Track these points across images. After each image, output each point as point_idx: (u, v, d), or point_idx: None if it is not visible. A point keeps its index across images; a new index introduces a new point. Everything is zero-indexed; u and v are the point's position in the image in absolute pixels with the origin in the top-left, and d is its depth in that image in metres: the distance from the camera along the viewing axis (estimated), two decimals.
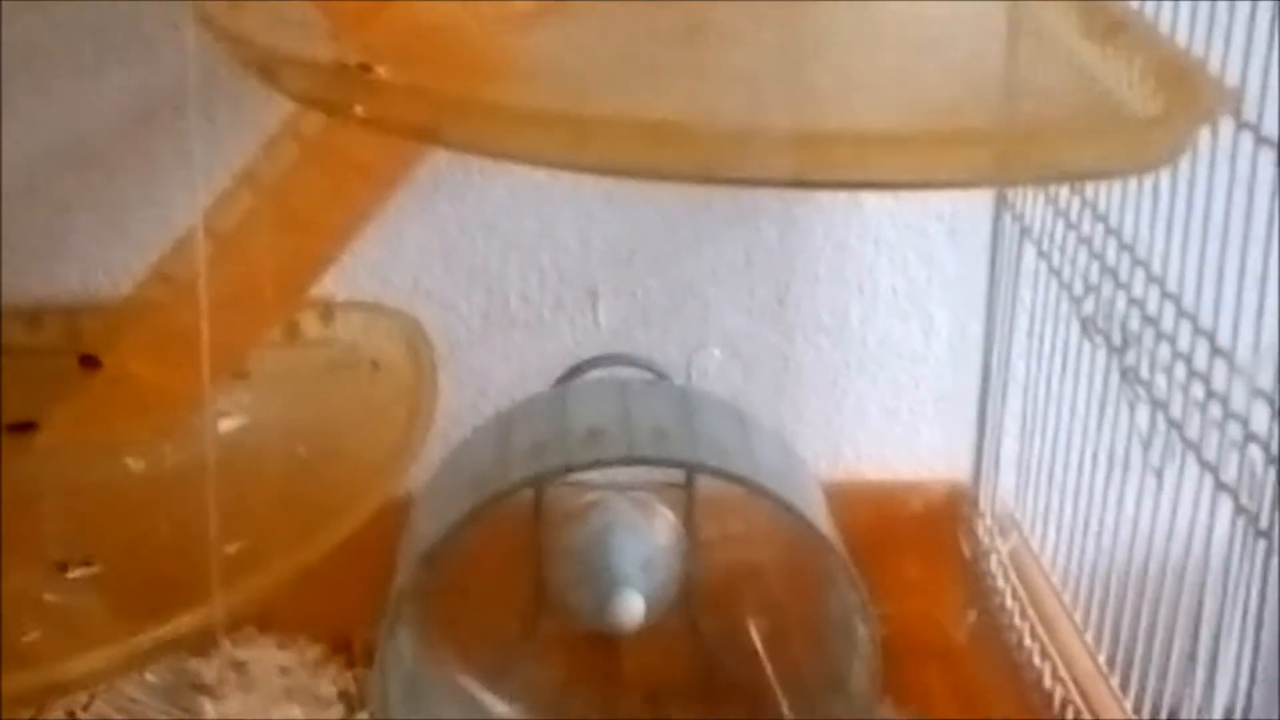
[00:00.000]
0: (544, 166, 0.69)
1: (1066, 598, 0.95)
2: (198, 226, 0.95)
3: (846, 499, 1.01)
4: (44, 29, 1.05)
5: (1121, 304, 0.84)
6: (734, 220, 1.10)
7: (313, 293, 1.05)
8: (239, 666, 1.05)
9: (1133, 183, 0.83)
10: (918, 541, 1.09)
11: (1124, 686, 0.87)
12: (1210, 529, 0.75)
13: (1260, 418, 0.70)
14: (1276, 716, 0.72)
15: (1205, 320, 0.76)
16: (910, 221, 1.10)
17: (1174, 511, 0.79)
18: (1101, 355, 0.87)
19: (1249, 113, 0.71)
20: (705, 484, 0.97)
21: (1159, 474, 0.80)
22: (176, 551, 0.89)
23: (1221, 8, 0.73)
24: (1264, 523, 0.70)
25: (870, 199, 1.10)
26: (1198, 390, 0.76)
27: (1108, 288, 0.86)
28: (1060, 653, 0.93)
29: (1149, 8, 0.80)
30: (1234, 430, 0.73)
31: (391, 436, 1.00)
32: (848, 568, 0.91)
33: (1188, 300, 0.78)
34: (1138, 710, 0.85)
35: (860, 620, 0.91)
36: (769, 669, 0.97)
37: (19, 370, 1.02)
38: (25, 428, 0.98)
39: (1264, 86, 0.70)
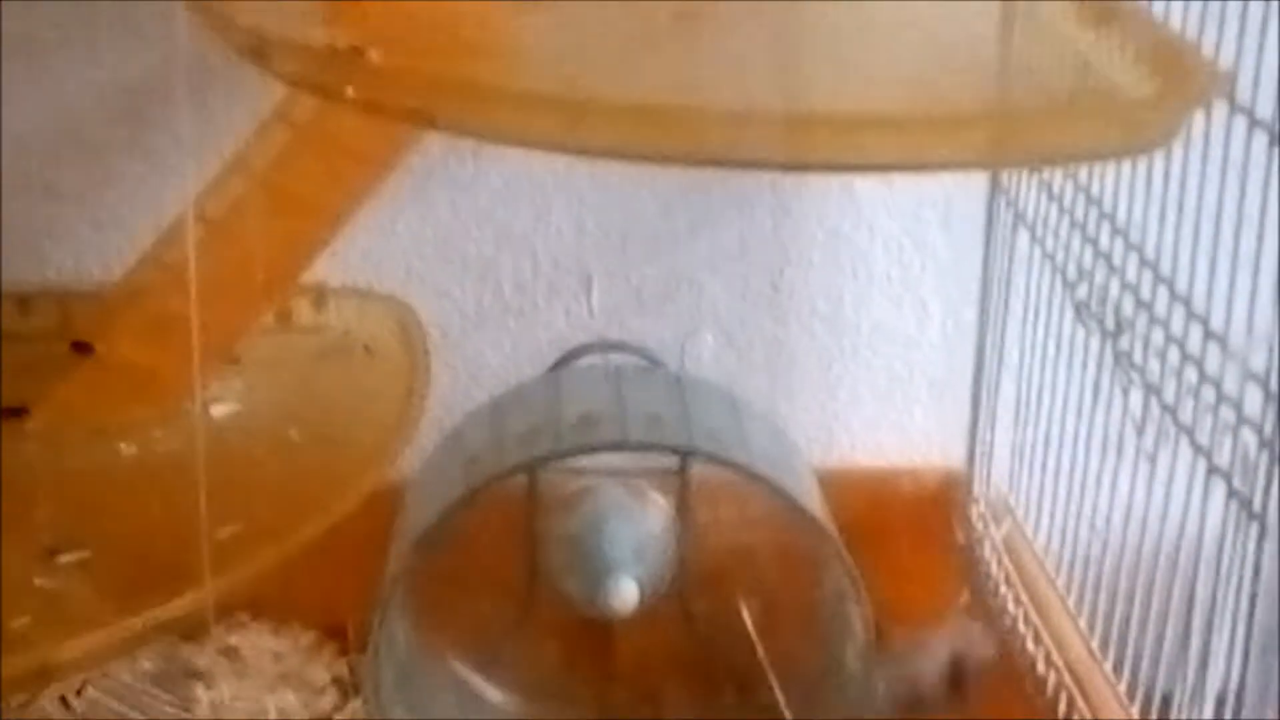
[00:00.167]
0: (536, 149, 0.69)
1: (1060, 583, 0.95)
2: (188, 212, 0.95)
3: (840, 485, 1.01)
4: (36, 16, 1.04)
5: (1115, 289, 0.84)
6: (728, 207, 1.10)
7: (306, 279, 1.05)
8: (232, 652, 1.05)
9: (1126, 167, 0.82)
10: (911, 527, 1.09)
11: (1117, 671, 0.87)
12: (1203, 513, 0.75)
13: (1253, 401, 0.70)
14: (1270, 700, 0.72)
15: (1198, 304, 0.76)
16: (904, 208, 1.10)
17: (1167, 496, 0.79)
18: (1095, 340, 0.87)
19: (1242, 96, 0.71)
20: (699, 469, 0.97)
21: (1152, 458, 0.80)
22: (168, 536, 0.89)
23: None
24: (1257, 506, 0.70)
25: (864, 185, 1.10)
26: (1191, 374, 0.76)
27: (1101, 273, 0.86)
28: (1054, 637, 0.93)
29: None
30: (1227, 414, 0.72)
31: (384, 422, 1.00)
32: (841, 553, 0.91)
33: (1181, 284, 0.77)
34: (1131, 694, 0.85)
35: (853, 605, 0.91)
36: (762, 654, 0.97)
37: (10, 355, 1.02)
38: (17, 413, 0.98)
39: (1257, 70, 0.70)
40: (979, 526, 1.07)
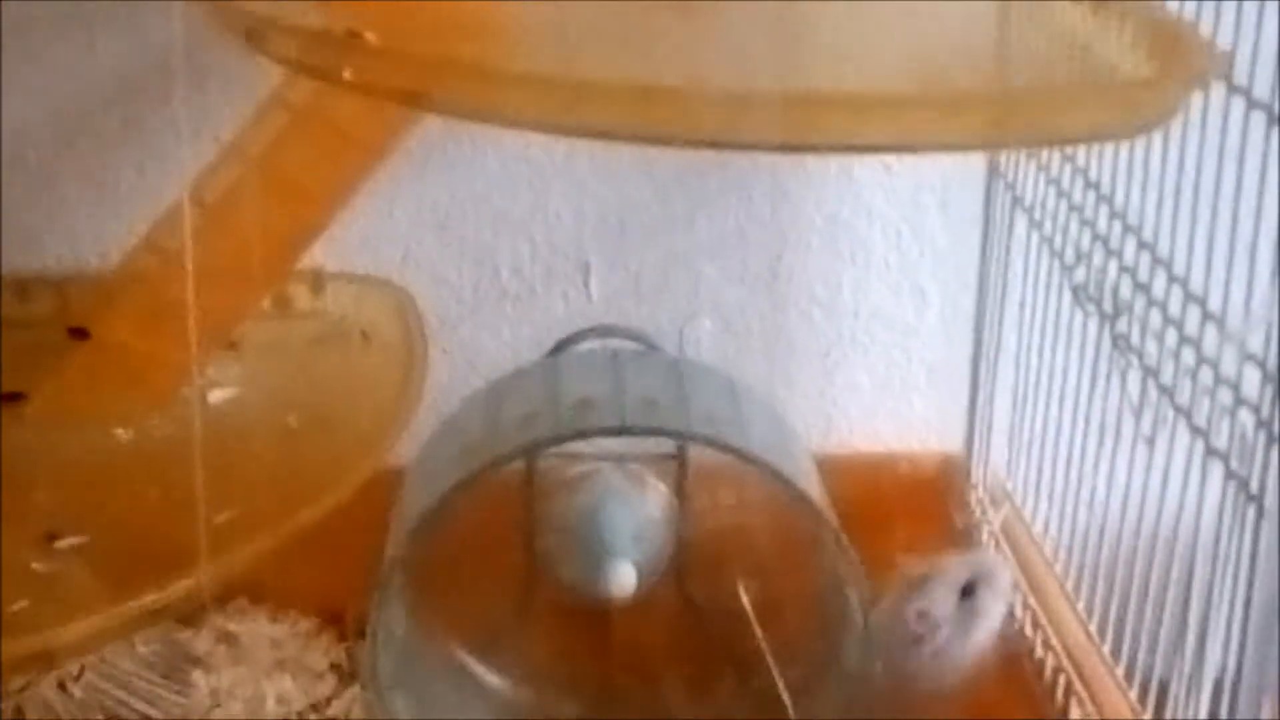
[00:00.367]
0: (534, 130, 0.68)
1: (1058, 567, 0.95)
2: (185, 198, 0.94)
3: (838, 470, 1.00)
4: (33, 2, 1.04)
5: (1113, 271, 0.84)
6: (726, 192, 1.10)
7: (303, 264, 1.05)
8: (230, 639, 1.05)
9: (1124, 150, 0.82)
10: (909, 513, 1.09)
11: (1115, 655, 0.87)
12: (1201, 496, 0.75)
13: (1251, 382, 0.70)
14: (1268, 682, 0.72)
15: (1196, 286, 0.76)
16: (902, 193, 1.10)
17: (1165, 479, 0.79)
18: (1093, 324, 0.87)
19: (1240, 77, 0.71)
20: (697, 454, 0.97)
21: (1150, 442, 0.80)
22: (165, 522, 0.89)
23: None
24: (1254, 487, 0.70)
25: (862, 171, 1.10)
26: (1189, 356, 0.76)
27: (1099, 256, 0.86)
28: (1051, 621, 0.93)
29: None
30: (1225, 395, 0.72)
31: (382, 408, 1.00)
32: (839, 538, 0.91)
33: (1179, 266, 0.77)
34: (1129, 678, 0.85)
35: (852, 590, 0.91)
36: (761, 639, 0.97)
37: (8, 341, 1.02)
38: (14, 398, 0.98)
39: (1255, 50, 0.70)
40: (977, 511, 1.07)
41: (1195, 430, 0.75)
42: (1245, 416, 0.71)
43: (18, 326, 1.04)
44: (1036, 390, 0.98)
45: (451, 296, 1.11)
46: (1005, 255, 1.02)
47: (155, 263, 0.98)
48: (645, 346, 1.03)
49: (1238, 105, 0.71)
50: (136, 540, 0.90)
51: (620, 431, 0.91)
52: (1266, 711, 0.71)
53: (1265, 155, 0.69)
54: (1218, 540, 0.73)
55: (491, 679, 1.01)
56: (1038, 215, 0.96)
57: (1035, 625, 0.94)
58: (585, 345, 1.03)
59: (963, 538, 1.07)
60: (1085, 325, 0.89)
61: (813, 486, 0.94)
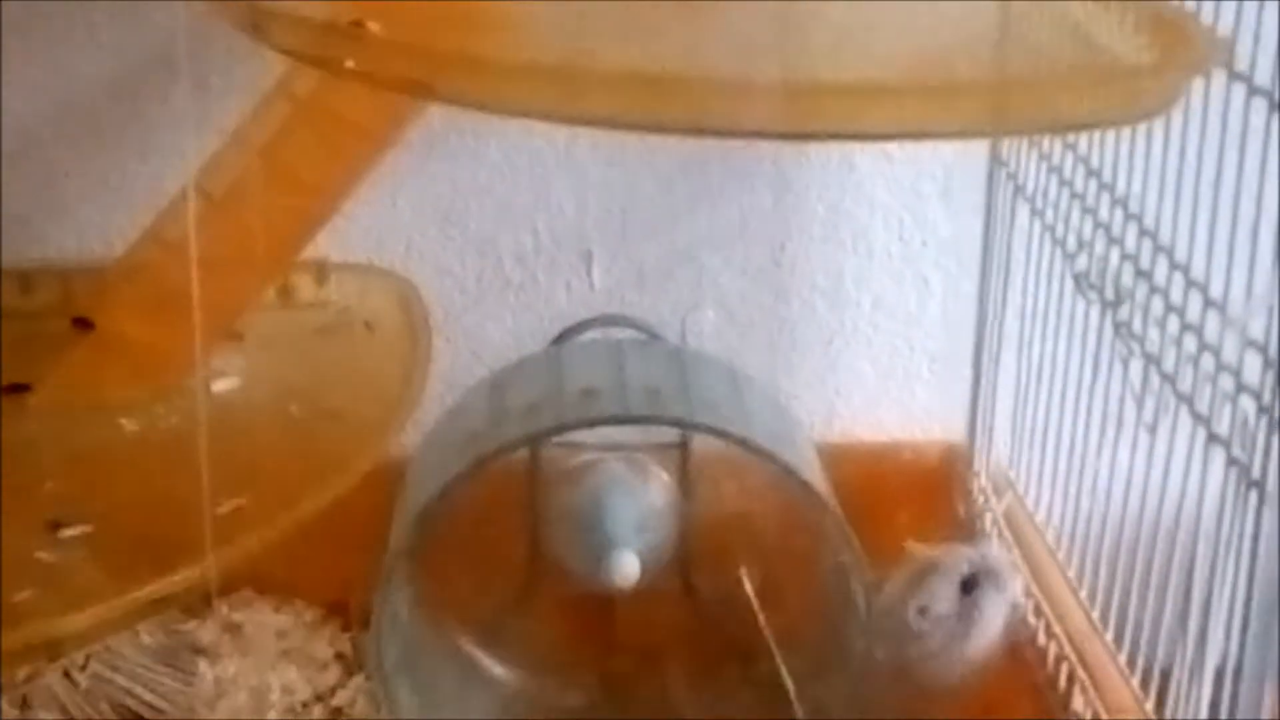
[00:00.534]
0: (537, 119, 0.69)
1: (1060, 555, 0.95)
2: (189, 188, 0.95)
3: (841, 459, 1.01)
4: None
5: (1115, 259, 0.84)
6: (729, 182, 1.10)
7: (307, 255, 1.05)
8: (235, 629, 1.05)
9: (1125, 137, 0.82)
10: (912, 502, 1.09)
11: (1118, 642, 0.87)
12: (1203, 483, 0.75)
13: (1252, 368, 0.70)
14: (1270, 670, 0.72)
15: (1198, 272, 0.76)
16: (904, 182, 1.10)
17: (1167, 467, 0.79)
18: (1095, 312, 0.87)
19: (1241, 63, 0.71)
20: (700, 444, 0.97)
21: (1152, 429, 0.80)
22: (170, 512, 0.89)
23: None
24: (1256, 473, 0.70)
25: (864, 160, 1.10)
26: (1190, 343, 0.76)
27: (1101, 243, 0.86)
28: (1054, 609, 0.93)
29: None
30: (1226, 382, 0.73)
31: (385, 398, 1.00)
32: (842, 527, 0.91)
33: (1180, 253, 0.78)
34: (1131, 665, 0.85)
35: (854, 579, 0.91)
36: (765, 627, 0.97)
37: (12, 332, 1.02)
38: (18, 389, 0.98)
39: (1256, 37, 0.70)
40: (980, 500, 1.07)
41: (1197, 417, 0.75)
42: (1246, 403, 0.71)
43: (22, 317, 1.04)
44: (1039, 378, 0.98)
45: (455, 287, 1.11)
46: (1007, 244, 1.02)
47: (159, 253, 0.99)
48: (648, 336, 1.04)
49: (1239, 92, 0.71)
50: (141, 530, 0.90)
51: (623, 421, 0.92)
52: (1268, 698, 0.71)
53: (1266, 142, 0.69)
54: (1219, 527, 0.73)
55: (495, 668, 1.02)
56: (1039, 204, 0.96)
57: (1038, 613, 0.94)
58: (588, 335, 1.03)
59: (965, 526, 1.07)
60: (1087, 313, 0.89)
61: (815, 475, 0.94)
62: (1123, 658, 0.86)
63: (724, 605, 1.00)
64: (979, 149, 1.04)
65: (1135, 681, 0.85)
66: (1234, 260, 0.72)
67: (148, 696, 0.99)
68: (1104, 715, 0.86)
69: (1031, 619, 0.95)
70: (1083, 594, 0.92)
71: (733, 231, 1.11)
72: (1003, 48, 0.74)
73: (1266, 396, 0.69)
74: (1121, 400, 0.84)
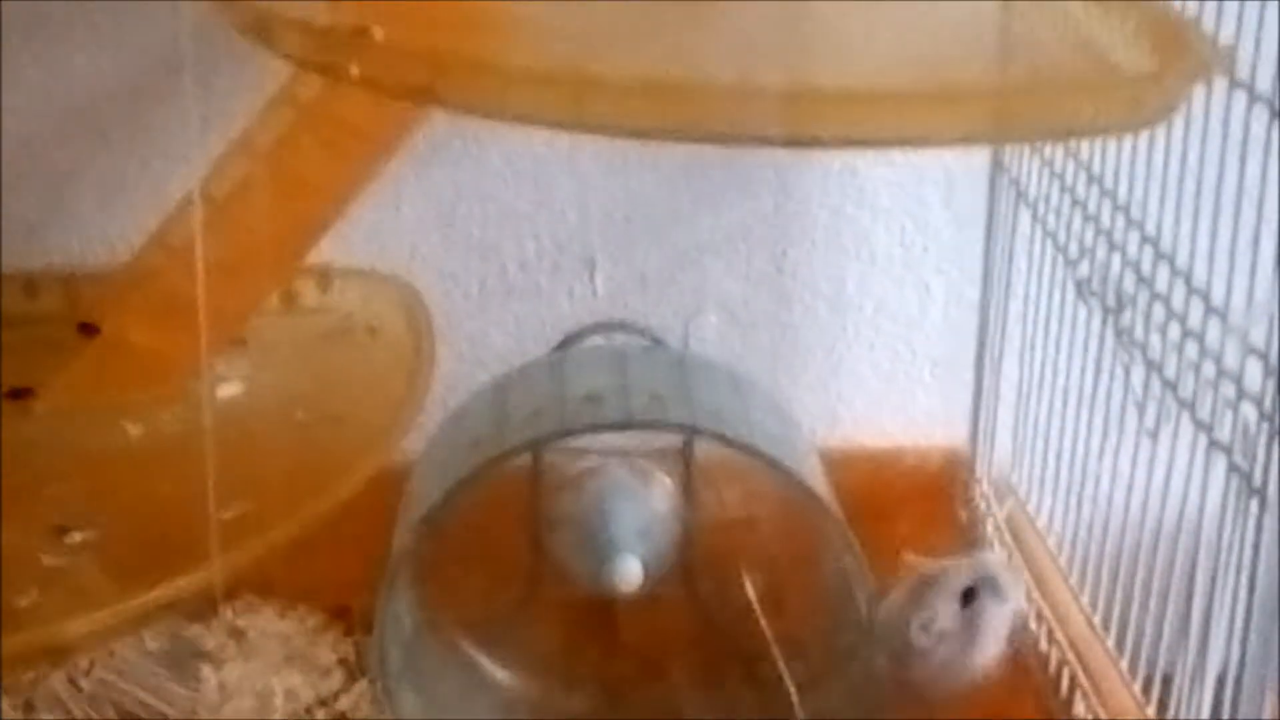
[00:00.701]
0: (540, 125, 0.69)
1: (1062, 561, 0.96)
2: (194, 193, 0.95)
3: (843, 464, 1.01)
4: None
5: (1116, 266, 0.84)
6: (731, 188, 1.11)
7: (310, 260, 1.05)
8: (239, 634, 1.05)
9: (1127, 144, 0.83)
10: (914, 506, 1.09)
11: (1119, 648, 0.87)
12: (1204, 490, 0.76)
13: (1253, 375, 0.70)
14: (1271, 676, 0.72)
15: (1199, 279, 0.76)
16: (906, 188, 1.11)
17: (1168, 473, 0.80)
18: (1096, 318, 0.87)
19: (1242, 71, 0.71)
20: (703, 449, 0.97)
21: (1153, 435, 0.80)
22: (175, 516, 0.89)
23: None
24: (1257, 480, 0.70)
25: (866, 166, 1.10)
26: (1192, 350, 0.76)
27: (1102, 250, 0.86)
28: (1056, 615, 0.93)
29: None
30: (1227, 389, 0.73)
31: (389, 403, 1.01)
32: (844, 532, 0.91)
33: (1181, 260, 0.78)
34: (1133, 671, 0.85)
35: (856, 583, 0.92)
36: (767, 632, 0.98)
37: (17, 337, 1.02)
38: (24, 394, 0.99)
39: (1257, 45, 0.70)
40: (981, 505, 1.07)
41: (1198, 424, 0.75)
42: (1248, 410, 0.71)
43: (27, 322, 1.05)
44: (1040, 384, 0.98)
45: (458, 292, 1.12)
46: (1009, 250, 1.02)
47: (164, 259, 0.99)
48: (651, 341, 1.04)
49: (1240, 100, 0.72)
50: (146, 534, 0.90)
51: (626, 426, 0.92)
52: (1269, 704, 0.72)
53: (1267, 149, 0.69)
54: (1221, 533, 0.73)
55: (498, 672, 1.02)
56: (1041, 210, 0.96)
57: (1040, 619, 0.94)
58: (591, 340, 1.03)
59: (967, 531, 1.07)
60: (1089, 319, 0.89)
61: (818, 481, 0.94)
62: (1124, 663, 0.86)
63: (726, 610, 1.00)
64: (981, 155, 1.04)
65: (1137, 687, 0.85)
66: (1235, 267, 0.72)
67: (152, 701, 0.99)
68: None
69: (1033, 625, 0.95)
70: (1084, 599, 0.92)
71: (735, 237, 1.11)
72: (1004, 55, 0.74)
73: (1267, 403, 0.69)
74: (1123, 406, 0.84)
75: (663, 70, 0.69)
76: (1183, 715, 0.78)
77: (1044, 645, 0.94)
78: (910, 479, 1.13)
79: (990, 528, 1.04)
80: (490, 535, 0.99)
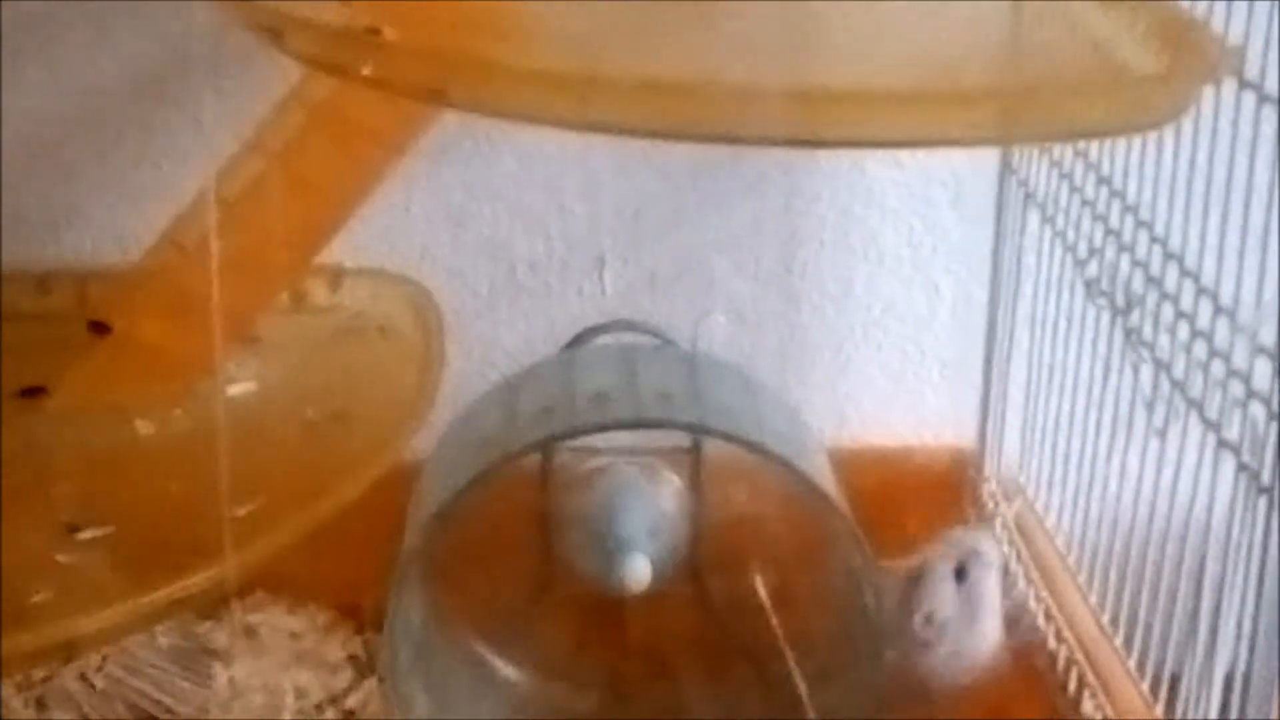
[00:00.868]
0: (550, 125, 0.69)
1: (1070, 560, 0.96)
2: (207, 192, 0.95)
3: (852, 464, 1.01)
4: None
5: (1125, 266, 0.85)
6: (740, 188, 1.11)
7: (321, 260, 1.05)
8: (249, 631, 1.05)
9: (1136, 145, 0.83)
10: (923, 506, 1.09)
11: (1127, 647, 0.87)
12: (1213, 489, 0.76)
13: (1262, 374, 0.71)
14: (1278, 675, 0.72)
15: (1208, 279, 0.76)
16: (915, 188, 1.11)
17: (1177, 472, 0.80)
18: (1105, 318, 0.88)
19: (1251, 71, 0.71)
20: (711, 448, 0.97)
21: (1162, 435, 0.80)
22: (186, 514, 0.90)
23: None
24: (1266, 479, 0.70)
25: (874, 166, 1.10)
26: (1200, 349, 0.76)
27: (1111, 250, 0.86)
28: (1064, 614, 0.94)
29: None
30: (1236, 388, 0.73)
31: (399, 402, 1.01)
32: (853, 531, 0.92)
33: (1190, 260, 0.78)
34: (1141, 670, 0.86)
35: (865, 582, 0.92)
36: (776, 630, 0.98)
37: (29, 335, 1.02)
38: (35, 392, 0.99)
39: (1266, 45, 0.70)
40: (990, 505, 1.07)
41: (1207, 423, 0.76)
42: (1256, 409, 0.71)
43: (39, 320, 1.05)
44: (1049, 384, 0.98)
45: (468, 291, 1.12)
46: (1018, 250, 1.02)
47: (175, 257, 0.99)
48: (660, 341, 1.04)
49: (1249, 100, 0.72)
50: (158, 532, 0.90)
51: (635, 425, 0.92)
52: (1277, 703, 0.72)
53: (1276, 149, 0.69)
54: (1229, 532, 0.73)
55: (508, 671, 1.02)
56: (1050, 210, 0.96)
57: (1048, 618, 0.95)
58: (600, 340, 1.03)
59: None
60: (1097, 319, 0.89)
61: (826, 480, 0.94)
62: (1132, 662, 0.87)
63: (735, 609, 1.00)
64: (989, 155, 1.04)
65: (1145, 686, 0.85)
66: (1244, 267, 0.72)
67: (163, 698, 1.00)
68: (1113, 719, 0.86)
69: (1041, 623, 0.95)
70: (1092, 599, 0.92)
71: (744, 237, 1.11)
72: (1013, 55, 0.74)
73: (1276, 403, 0.69)
74: (1131, 406, 0.84)
75: (671, 71, 0.69)
76: (1191, 714, 0.78)
77: (1052, 644, 0.94)
78: (919, 478, 1.13)
79: (999, 527, 1.04)
80: (500, 534, 0.99)
